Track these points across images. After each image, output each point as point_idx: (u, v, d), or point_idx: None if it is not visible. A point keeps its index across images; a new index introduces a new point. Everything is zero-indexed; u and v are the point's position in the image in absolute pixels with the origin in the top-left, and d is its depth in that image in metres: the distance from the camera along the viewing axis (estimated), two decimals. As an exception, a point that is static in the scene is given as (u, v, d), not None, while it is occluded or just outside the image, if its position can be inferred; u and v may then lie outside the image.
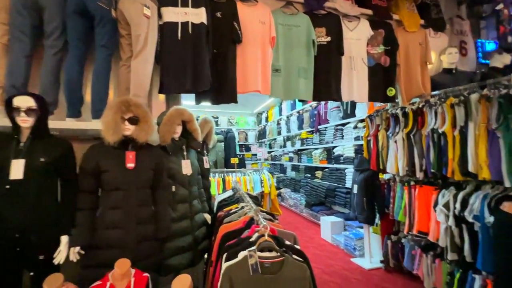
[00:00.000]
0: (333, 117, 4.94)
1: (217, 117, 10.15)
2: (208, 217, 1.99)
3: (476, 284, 2.01)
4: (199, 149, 2.00)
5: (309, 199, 5.21)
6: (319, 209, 4.73)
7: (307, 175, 6.01)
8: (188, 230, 1.73)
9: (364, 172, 3.03)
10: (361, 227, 3.31)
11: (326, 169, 5.12)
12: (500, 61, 2.72)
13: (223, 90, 2.08)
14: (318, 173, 5.44)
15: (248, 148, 10.86)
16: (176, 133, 1.76)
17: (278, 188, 7.17)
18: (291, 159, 6.92)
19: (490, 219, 1.88)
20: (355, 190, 3.09)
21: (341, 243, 3.52)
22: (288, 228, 4.78)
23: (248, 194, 2.52)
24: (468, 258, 2.09)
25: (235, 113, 10.65)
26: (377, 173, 3.00)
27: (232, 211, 1.91)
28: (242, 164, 10.78)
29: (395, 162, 2.70)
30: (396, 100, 2.83)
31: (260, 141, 10.21)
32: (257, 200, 2.45)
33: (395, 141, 2.69)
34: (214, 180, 4.21)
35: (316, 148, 5.62)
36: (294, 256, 1.24)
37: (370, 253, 3.02)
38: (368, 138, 3.08)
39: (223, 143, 5.05)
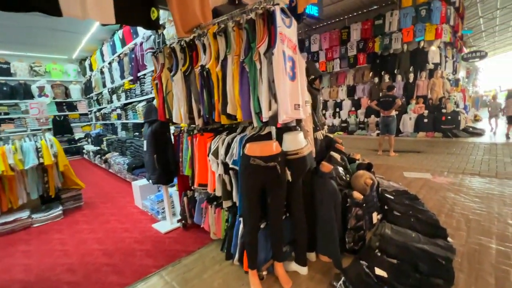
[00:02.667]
0: (149, 61, 4.05)
1: (7, 63, 6.92)
2: None
3: (241, 226, 2.00)
4: None
5: (133, 162, 4.42)
6: (139, 171, 4.06)
7: (136, 134, 5.09)
8: None
9: (153, 125, 2.48)
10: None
11: (151, 125, 4.38)
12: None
13: None
14: (144, 131, 4.64)
15: (72, 107, 8.40)
16: None
17: (105, 153, 5.88)
18: (119, 117, 5.66)
19: (242, 162, 1.77)
20: (145, 147, 2.53)
21: (149, 208, 3.06)
22: (101, 199, 3.80)
23: None
24: (237, 203, 2.03)
25: (42, 58, 7.55)
26: (166, 124, 2.52)
27: None
28: (66, 128, 8.36)
29: (178, 109, 2.26)
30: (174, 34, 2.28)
31: (87, 96, 7.95)
32: None
33: (176, 83, 2.21)
34: None
35: (140, 101, 4.69)
36: None
37: (170, 215, 2.70)
38: (156, 82, 2.47)
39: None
